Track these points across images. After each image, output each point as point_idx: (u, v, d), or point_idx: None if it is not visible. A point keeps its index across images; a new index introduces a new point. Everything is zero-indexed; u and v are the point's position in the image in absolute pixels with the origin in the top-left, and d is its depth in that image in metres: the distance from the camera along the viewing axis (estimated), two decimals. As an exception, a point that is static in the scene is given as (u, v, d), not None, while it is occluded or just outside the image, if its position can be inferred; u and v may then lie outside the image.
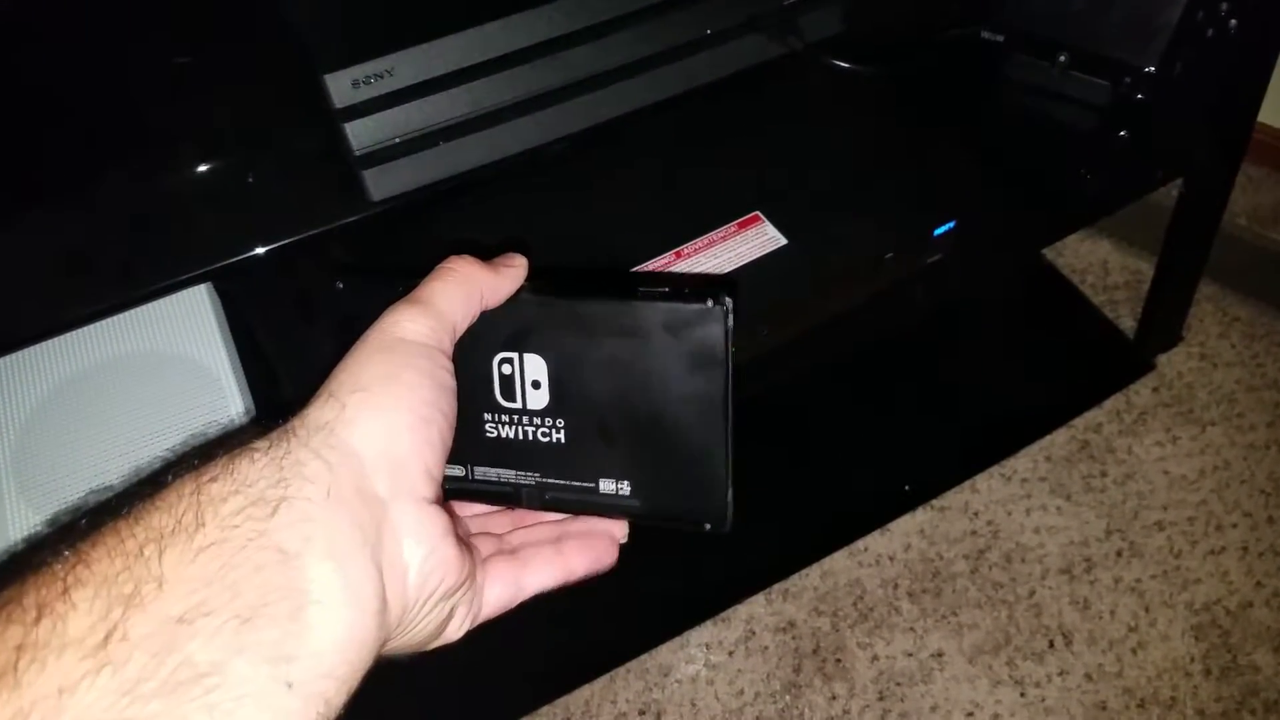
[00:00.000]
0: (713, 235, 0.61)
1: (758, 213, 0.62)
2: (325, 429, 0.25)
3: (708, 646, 0.84)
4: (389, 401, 0.26)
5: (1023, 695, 0.80)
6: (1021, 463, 0.93)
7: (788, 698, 0.81)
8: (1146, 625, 0.84)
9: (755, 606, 0.85)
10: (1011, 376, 0.98)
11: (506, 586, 0.30)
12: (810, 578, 0.87)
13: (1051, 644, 0.83)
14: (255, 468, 0.24)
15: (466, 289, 0.30)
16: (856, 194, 0.63)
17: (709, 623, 0.85)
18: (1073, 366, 1.00)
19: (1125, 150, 0.72)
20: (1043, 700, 0.80)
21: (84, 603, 0.20)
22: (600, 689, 0.82)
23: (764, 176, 0.64)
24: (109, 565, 0.21)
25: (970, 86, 0.76)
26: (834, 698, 0.81)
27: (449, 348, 0.29)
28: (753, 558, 0.87)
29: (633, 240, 0.60)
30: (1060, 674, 0.81)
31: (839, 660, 0.83)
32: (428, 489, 0.26)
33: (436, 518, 0.26)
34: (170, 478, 0.23)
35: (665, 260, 0.59)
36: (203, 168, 0.52)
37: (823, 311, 0.62)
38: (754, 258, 0.59)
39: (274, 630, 0.21)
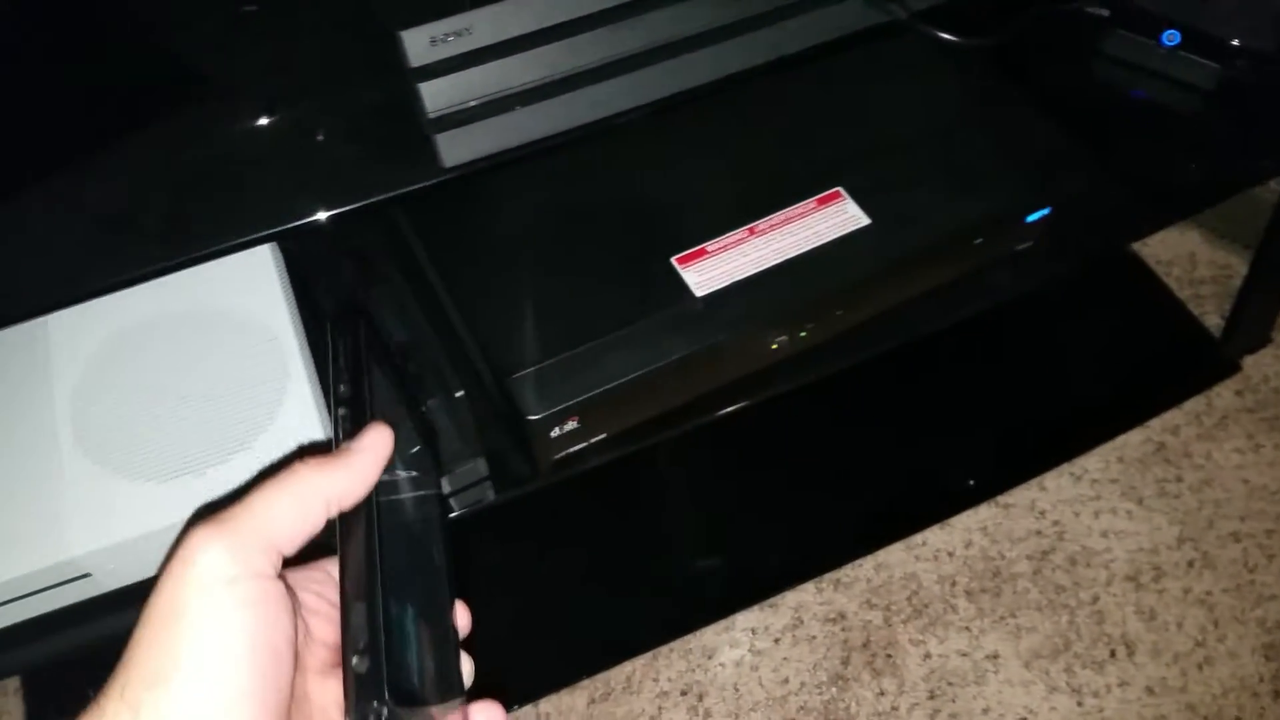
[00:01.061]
0: (789, 211, 0.58)
1: (839, 189, 0.59)
2: None
3: (754, 631, 0.82)
4: (186, 702, 0.23)
5: (1080, 704, 0.78)
6: (1093, 462, 0.89)
7: (834, 690, 0.79)
8: (1215, 640, 0.80)
9: (805, 594, 0.84)
10: (1086, 371, 0.94)
11: None
12: (864, 569, 0.84)
13: (1113, 653, 0.80)
14: None
15: (300, 499, 0.26)
16: (946, 174, 0.60)
17: (756, 608, 0.83)
18: (1152, 364, 0.95)
19: (1232, 138, 0.67)
20: (1100, 711, 0.77)
21: None
22: (642, 666, 0.81)
23: (848, 151, 0.61)
24: None
25: (1071, 64, 0.72)
26: (882, 693, 0.79)
27: (270, 570, 0.25)
28: (805, 544, 0.85)
29: (705, 213, 0.57)
30: (1120, 685, 0.78)
31: (889, 655, 0.80)
32: None
33: None
34: None
35: (738, 236, 0.57)
36: (270, 123, 0.51)
37: (900, 296, 0.59)
38: (832, 237, 0.57)
39: None
